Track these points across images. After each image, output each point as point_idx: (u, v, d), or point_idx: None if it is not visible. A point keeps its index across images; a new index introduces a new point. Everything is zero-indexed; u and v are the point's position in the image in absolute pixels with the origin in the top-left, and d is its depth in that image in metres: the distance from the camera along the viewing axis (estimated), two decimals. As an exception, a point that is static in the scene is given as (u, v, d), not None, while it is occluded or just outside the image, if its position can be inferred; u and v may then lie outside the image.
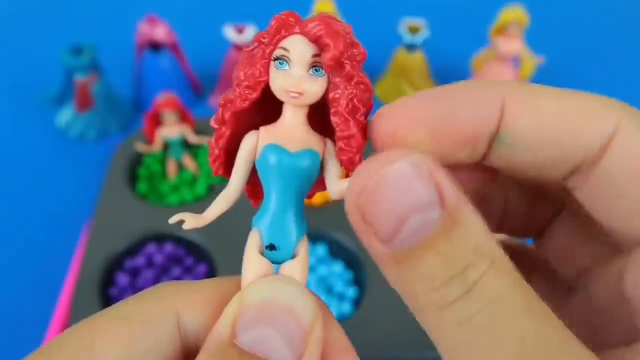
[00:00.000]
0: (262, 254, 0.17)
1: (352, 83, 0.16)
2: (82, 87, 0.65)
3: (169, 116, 0.58)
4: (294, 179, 0.16)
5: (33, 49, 0.82)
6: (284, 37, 0.16)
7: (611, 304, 0.16)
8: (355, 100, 0.16)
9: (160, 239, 0.54)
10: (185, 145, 0.61)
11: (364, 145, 0.16)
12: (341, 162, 0.17)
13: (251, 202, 0.19)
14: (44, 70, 0.73)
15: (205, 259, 0.52)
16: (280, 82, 0.16)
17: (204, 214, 0.17)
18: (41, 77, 0.73)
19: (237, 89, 0.16)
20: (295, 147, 0.16)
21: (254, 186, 0.18)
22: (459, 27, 0.87)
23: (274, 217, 0.16)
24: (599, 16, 0.95)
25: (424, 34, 0.70)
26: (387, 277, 0.14)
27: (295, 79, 0.16)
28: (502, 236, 0.21)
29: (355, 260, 0.52)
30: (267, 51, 0.16)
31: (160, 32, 0.68)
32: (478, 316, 0.13)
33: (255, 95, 0.16)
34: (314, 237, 0.54)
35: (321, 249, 0.53)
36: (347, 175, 0.17)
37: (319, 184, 0.18)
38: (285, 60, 0.16)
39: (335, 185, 0.17)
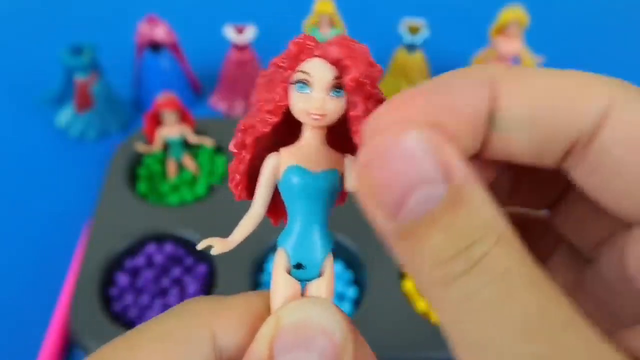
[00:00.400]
0: (289, 272, 0.17)
1: (372, 101, 0.17)
2: (82, 87, 0.65)
3: (169, 116, 0.58)
4: (318, 199, 0.17)
5: (33, 49, 0.82)
6: (303, 60, 0.16)
7: (619, 281, 0.16)
8: None
9: (160, 239, 0.54)
10: (185, 145, 0.61)
11: None
12: None
13: (271, 221, 0.19)
14: (44, 70, 0.73)
15: (205, 259, 0.52)
16: (303, 105, 0.16)
17: (230, 237, 0.18)
18: (41, 77, 0.73)
19: (259, 114, 0.17)
20: (317, 168, 0.17)
21: (273, 205, 0.18)
22: (459, 27, 0.87)
23: (300, 236, 0.17)
24: (599, 16, 0.95)
25: (424, 34, 0.70)
26: (394, 253, 0.14)
27: (318, 101, 0.16)
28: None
29: (355, 260, 0.52)
30: (286, 75, 0.17)
31: (160, 32, 0.68)
32: (483, 291, 0.12)
33: (276, 119, 0.17)
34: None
35: (321, 249, 0.53)
36: None
37: (339, 199, 0.18)
38: (306, 83, 0.16)
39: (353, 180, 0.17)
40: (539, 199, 0.20)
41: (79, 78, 0.65)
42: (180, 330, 0.16)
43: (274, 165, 0.17)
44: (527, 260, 0.13)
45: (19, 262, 0.55)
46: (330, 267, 0.17)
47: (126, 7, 0.88)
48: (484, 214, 0.13)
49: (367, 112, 0.16)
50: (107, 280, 0.50)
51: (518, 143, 0.15)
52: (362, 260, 0.51)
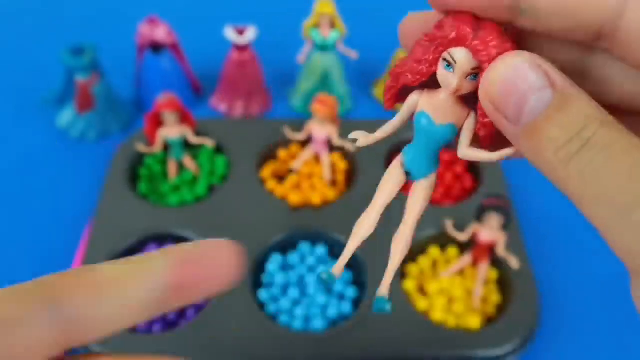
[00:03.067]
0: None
1: None
2: (83, 88, 0.66)
3: (170, 117, 0.58)
4: (434, 141, 0.21)
5: (34, 49, 0.82)
6: (455, 46, 0.19)
7: None
8: None
9: (160, 239, 0.54)
10: (186, 145, 0.61)
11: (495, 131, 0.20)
12: (479, 138, 0.20)
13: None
14: (45, 71, 0.73)
15: (205, 259, 0.52)
16: (444, 79, 0.20)
17: (373, 134, 0.22)
18: (42, 78, 0.73)
19: (413, 68, 0.21)
20: (441, 120, 0.21)
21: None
22: (459, 27, 0.87)
23: (415, 154, 0.22)
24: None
25: (424, 34, 0.70)
26: (522, 151, 0.18)
27: (454, 84, 0.20)
28: None
29: (355, 260, 0.52)
30: (439, 49, 0.20)
31: (160, 33, 0.68)
32: (596, 158, 0.16)
33: (424, 78, 0.20)
34: (314, 237, 0.54)
35: (321, 249, 0.53)
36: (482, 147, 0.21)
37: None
38: (451, 65, 0.20)
39: (464, 149, 0.21)
40: None
41: (80, 79, 0.65)
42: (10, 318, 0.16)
43: (414, 102, 0.21)
44: (628, 133, 0.16)
45: (20, 262, 0.55)
46: (434, 178, 0.22)
47: (127, 8, 0.88)
48: (585, 108, 0.17)
49: None
50: (108, 280, 0.50)
51: (548, 28, 0.18)
52: (362, 260, 0.51)
